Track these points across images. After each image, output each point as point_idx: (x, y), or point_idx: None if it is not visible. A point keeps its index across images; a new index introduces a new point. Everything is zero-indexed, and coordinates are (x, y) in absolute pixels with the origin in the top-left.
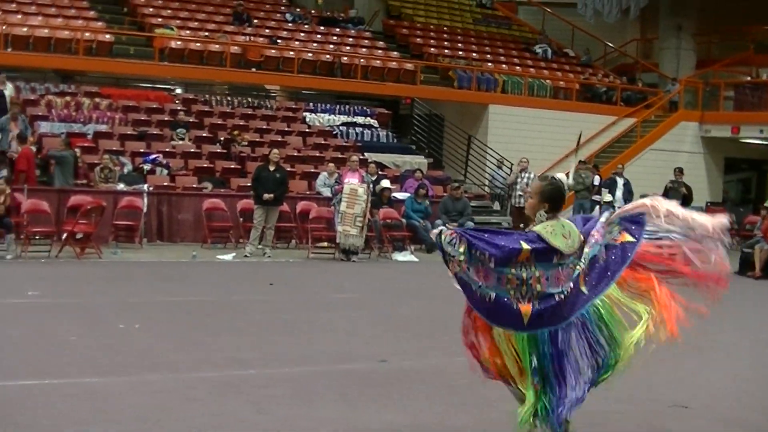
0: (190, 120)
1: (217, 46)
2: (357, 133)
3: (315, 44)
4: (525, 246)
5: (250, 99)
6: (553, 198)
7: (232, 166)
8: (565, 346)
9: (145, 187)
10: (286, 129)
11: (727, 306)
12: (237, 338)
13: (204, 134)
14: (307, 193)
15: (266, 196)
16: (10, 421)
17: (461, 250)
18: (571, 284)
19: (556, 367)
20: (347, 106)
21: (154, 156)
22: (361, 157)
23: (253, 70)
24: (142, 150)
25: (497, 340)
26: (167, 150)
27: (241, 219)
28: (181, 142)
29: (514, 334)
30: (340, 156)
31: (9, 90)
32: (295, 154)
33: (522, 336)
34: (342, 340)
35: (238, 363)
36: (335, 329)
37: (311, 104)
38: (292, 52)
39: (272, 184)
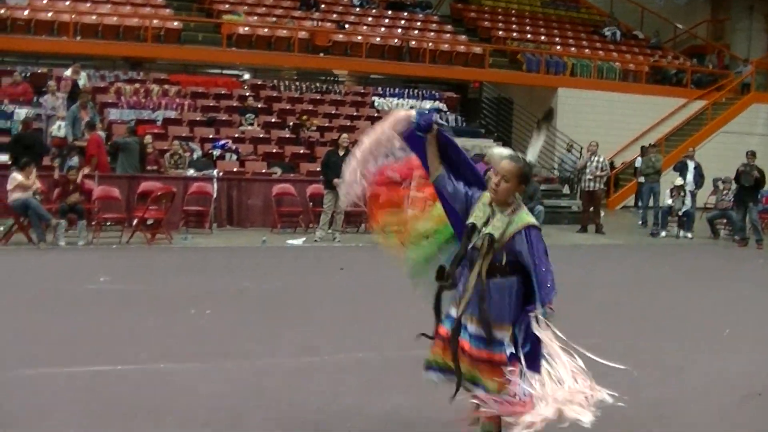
0: (259, 105)
1: (284, 31)
2: None
3: (383, 29)
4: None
5: (318, 84)
6: (527, 180)
7: (301, 151)
8: None
9: (215, 172)
10: (355, 114)
11: None
12: (308, 324)
13: (273, 120)
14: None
15: (336, 181)
16: (84, 407)
17: None
18: None
19: None
20: (416, 91)
21: (223, 142)
22: None
23: (321, 55)
24: (211, 136)
25: None
26: (236, 136)
27: (311, 204)
28: (250, 128)
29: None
30: None
31: (83, 79)
32: None
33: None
34: (412, 326)
35: (310, 350)
36: (406, 315)
37: (379, 89)
38: (360, 37)
39: (342, 169)
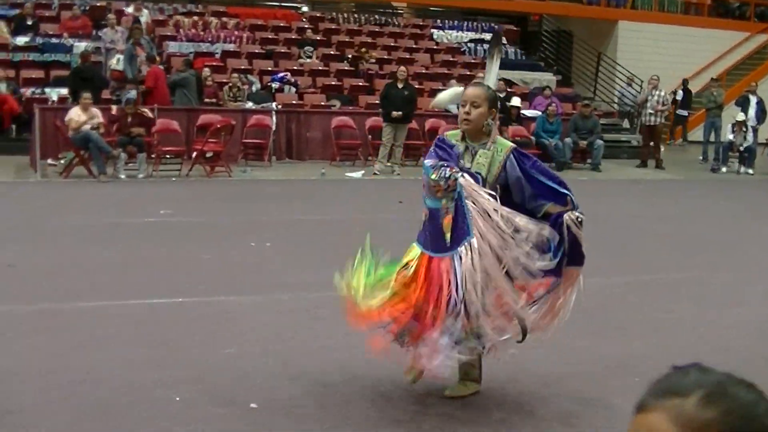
0: (318, 38)
1: None
2: (485, 50)
3: None
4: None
5: (377, 16)
6: (498, 105)
7: (360, 84)
8: None
9: (274, 105)
10: (414, 46)
11: None
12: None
13: (331, 52)
14: (436, 110)
15: (395, 113)
16: (147, 338)
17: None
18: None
19: None
20: (475, 23)
21: (282, 74)
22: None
23: None
24: (269, 69)
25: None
26: (295, 68)
27: (370, 137)
28: (308, 60)
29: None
30: (468, 73)
31: (145, 16)
32: (423, 71)
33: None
34: None
35: None
36: None
37: (438, 21)
38: None
39: (401, 102)
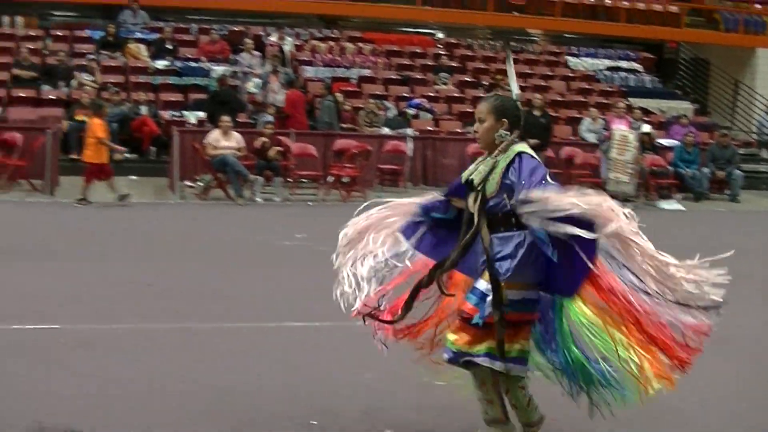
0: (453, 64)
1: None
2: (621, 78)
3: None
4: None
5: (512, 43)
6: (512, 113)
7: None
8: None
9: (409, 131)
10: (549, 73)
11: None
12: None
13: (467, 78)
14: (571, 138)
15: (531, 141)
16: (282, 361)
17: None
18: None
19: None
20: (611, 50)
21: (417, 100)
22: (626, 102)
23: (515, 13)
24: (405, 94)
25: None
26: (430, 94)
27: None
28: (444, 87)
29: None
30: (603, 101)
31: (288, 45)
32: (559, 98)
33: None
34: None
35: None
36: None
37: (574, 48)
38: None
39: (537, 129)
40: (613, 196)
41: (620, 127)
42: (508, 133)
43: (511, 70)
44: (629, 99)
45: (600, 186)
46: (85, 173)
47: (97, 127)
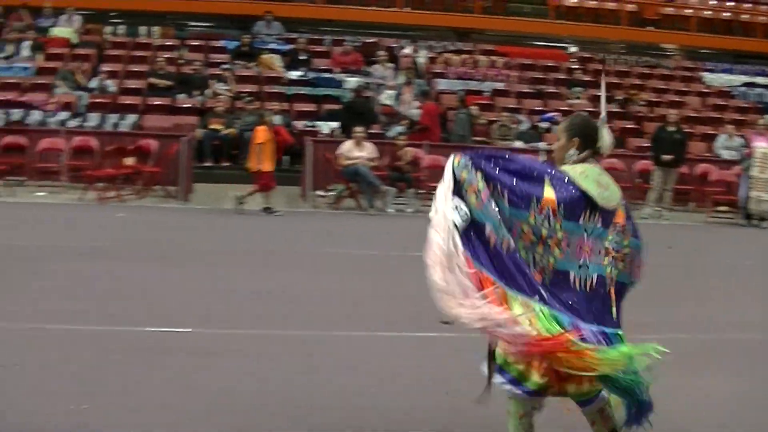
0: (587, 79)
1: (612, 3)
2: (758, 94)
3: (713, 1)
4: (549, 193)
5: (646, 58)
6: (584, 132)
7: (629, 126)
8: None
9: (542, 145)
10: (684, 89)
11: None
12: (629, 301)
13: (600, 93)
14: (706, 155)
15: (665, 157)
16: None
17: (478, 176)
18: (597, 273)
19: None
20: (747, 66)
21: (550, 114)
22: (764, 118)
23: (650, 28)
24: (538, 108)
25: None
26: (564, 108)
27: (639, 180)
28: (577, 101)
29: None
30: (739, 118)
31: (422, 57)
32: (693, 115)
33: (543, 310)
34: (735, 309)
35: (633, 327)
36: (730, 296)
37: (709, 63)
38: (689, 10)
39: (672, 145)
40: (748, 215)
41: (762, 145)
42: (578, 152)
43: (603, 90)
44: (765, 116)
45: (735, 204)
46: (258, 181)
47: (260, 133)
